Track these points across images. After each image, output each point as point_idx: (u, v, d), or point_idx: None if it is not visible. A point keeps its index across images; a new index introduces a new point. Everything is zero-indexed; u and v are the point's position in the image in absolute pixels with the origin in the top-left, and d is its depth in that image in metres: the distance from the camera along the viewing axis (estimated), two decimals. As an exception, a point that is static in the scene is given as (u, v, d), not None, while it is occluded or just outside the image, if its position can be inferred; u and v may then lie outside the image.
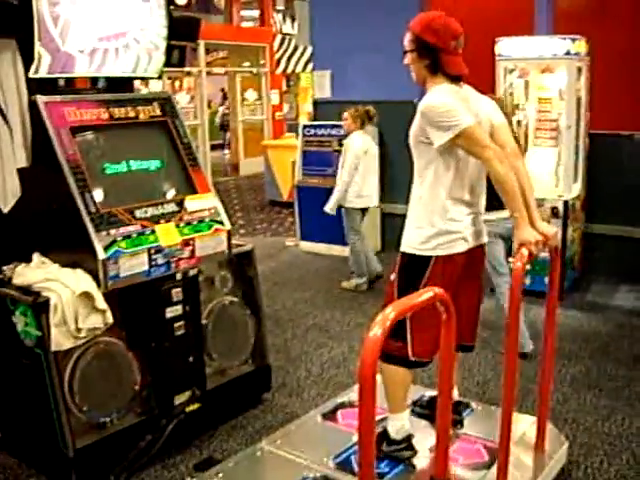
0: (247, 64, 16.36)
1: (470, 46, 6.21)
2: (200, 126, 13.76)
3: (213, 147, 16.42)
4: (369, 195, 6.58)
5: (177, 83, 15.86)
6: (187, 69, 14.02)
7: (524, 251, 2.90)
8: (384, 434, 3.31)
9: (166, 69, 4.04)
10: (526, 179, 3.16)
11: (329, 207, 6.51)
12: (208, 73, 14.97)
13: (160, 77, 4.12)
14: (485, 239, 3.29)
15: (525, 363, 4.59)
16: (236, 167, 15.88)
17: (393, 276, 3.23)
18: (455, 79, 3.12)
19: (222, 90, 19.51)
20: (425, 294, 2.16)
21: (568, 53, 5.91)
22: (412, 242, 3.15)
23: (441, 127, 2.95)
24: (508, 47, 6.17)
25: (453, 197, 3.08)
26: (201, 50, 13.85)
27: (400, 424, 3.29)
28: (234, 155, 16.32)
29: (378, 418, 3.07)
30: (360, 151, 6.35)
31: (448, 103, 2.99)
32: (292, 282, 7.01)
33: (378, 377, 2.09)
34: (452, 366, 2.46)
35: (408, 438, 3.31)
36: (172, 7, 3.91)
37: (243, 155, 15.82)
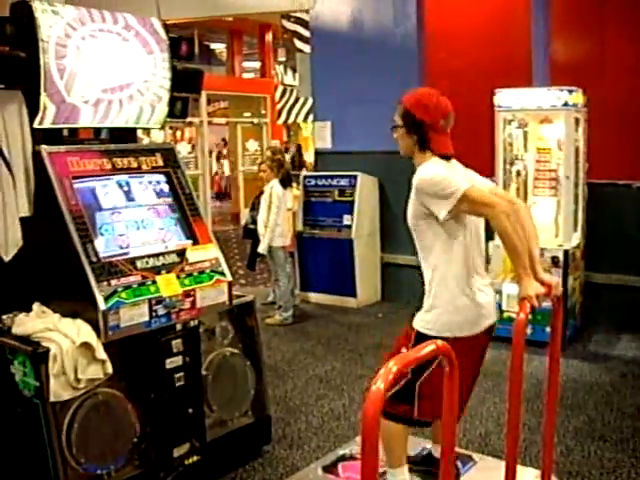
0: (248, 114, 16.53)
1: (469, 97, 6.32)
2: (201, 176, 13.84)
3: (219, 196, 16.52)
4: (287, 234, 7.35)
5: (178, 133, 16.00)
6: (189, 119, 14.11)
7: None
8: None
9: (169, 120, 4.09)
10: (531, 228, 3.13)
11: (262, 248, 7.07)
12: (209, 123, 15.10)
13: (162, 127, 4.16)
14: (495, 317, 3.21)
15: (528, 414, 4.54)
16: (237, 216, 15.93)
17: (404, 350, 3.08)
18: (444, 157, 3.10)
19: (223, 140, 19.67)
20: (427, 347, 2.14)
21: (566, 104, 5.98)
22: (428, 323, 3.07)
23: (441, 196, 2.93)
24: (507, 98, 6.25)
25: (470, 270, 3.05)
26: (203, 100, 14.00)
27: (401, 478, 3.24)
28: (235, 205, 16.38)
29: (380, 471, 3.03)
30: (282, 196, 7.08)
31: (441, 173, 2.99)
32: (292, 332, 6.96)
33: (380, 429, 2.06)
34: (455, 420, 2.43)
35: None
36: (175, 60, 3.96)
37: (243, 205, 15.88)
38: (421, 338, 3.05)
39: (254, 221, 7.35)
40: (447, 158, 3.12)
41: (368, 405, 1.91)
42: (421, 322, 3.12)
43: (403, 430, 3.19)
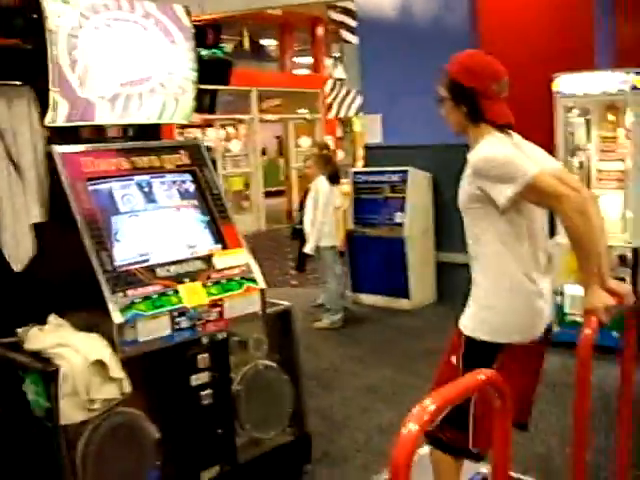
0: (302, 111, 16.30)
1: (526, 84, 5.87)
2: (254, 173, 13.67)
3: (274, 194, 16.47)
4: (335, 233, 6.97)
5: (232, 130, 15.93)
6: (238, 116, 14.00)
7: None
8: None
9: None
10: (598, 224, 2.67)
11: (309, 248, 6.74)
12: (262, 120, 14.93)
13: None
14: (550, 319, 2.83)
15: (594, 433, 4.11)
16: (290, 214, 15.72)
17: (454, 359, 2.76)
18: (502, 127, 2.70)
19: (277, 137, 19.51)
20: (474, 377, 1.79)
21: (635, 88, 5.52)
22: (482, 324, 2.70)
23: (504, 180, 2.52)
24: (568, 84, 5.82)
25: (529, 267, 2.65)
26: (254, 97, 13.83)
27: None
28: (288, 202, 16.18)
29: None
30: (329, 193, 6.74)
31: (508, 153, 2.58)
32: (341, 337, 6.64)
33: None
34: (507, 459, 2.07)
35: None
36: (203, 49, 3.68)
37: (298, 202, 15.67)
38: (472, 344, 2.70)
39: (302, 221, 7.06)
40: (507, 130, 2.71)
41: (398, 450, 1.60)
42: (471, 324, 2.73)
43: (454, 460, 2.82)
